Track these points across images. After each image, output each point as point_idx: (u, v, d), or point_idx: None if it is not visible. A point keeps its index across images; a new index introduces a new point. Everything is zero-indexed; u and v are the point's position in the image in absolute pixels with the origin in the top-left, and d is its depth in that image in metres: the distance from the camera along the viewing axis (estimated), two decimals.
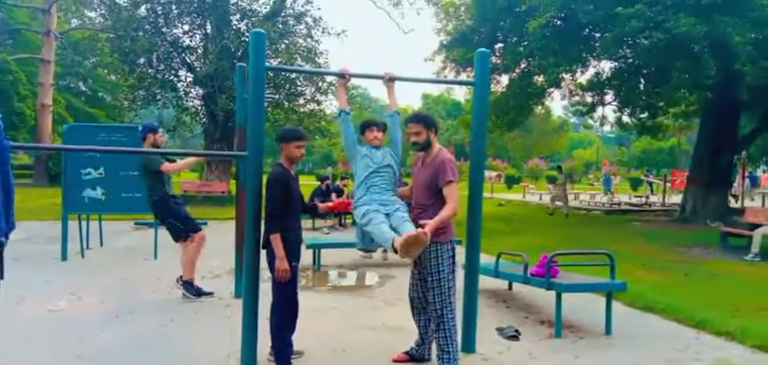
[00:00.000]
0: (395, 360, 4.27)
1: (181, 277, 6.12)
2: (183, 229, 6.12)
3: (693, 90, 15.44)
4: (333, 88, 21.15)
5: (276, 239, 3.83)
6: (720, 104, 15.22)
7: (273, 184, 3.90)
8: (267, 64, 4.56)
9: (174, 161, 6.37)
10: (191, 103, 22.20)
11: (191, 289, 6.07)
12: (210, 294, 6.14)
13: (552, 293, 5.20)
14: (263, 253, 4.01)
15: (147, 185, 6.17)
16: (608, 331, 5.13)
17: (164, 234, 7.06)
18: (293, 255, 3.95)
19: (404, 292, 4.37)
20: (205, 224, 6.29)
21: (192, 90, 21.55)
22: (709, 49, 12.05)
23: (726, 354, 4.48)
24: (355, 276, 7.95)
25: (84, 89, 37.82)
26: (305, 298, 6.11)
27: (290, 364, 4.00)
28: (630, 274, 7.08)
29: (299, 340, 4.17)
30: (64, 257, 8.13)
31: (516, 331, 5.05)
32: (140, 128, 6.48)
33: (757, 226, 10.40)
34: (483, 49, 4.65)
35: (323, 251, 8.25)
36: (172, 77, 20.85)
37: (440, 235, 3.71)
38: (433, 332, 3.94)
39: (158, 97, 21.19)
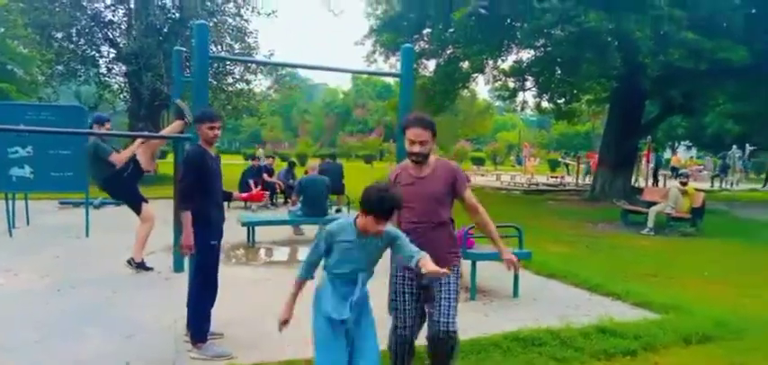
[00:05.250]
0: None
1: (132, 259, 6.36)
2: (136, 203, 6.46)
3: (601, 79, 16.81)
4: (262, 68, 21.06)
5: (187, 217, 3.84)
6: (626, 93, 16.63)
7: (188, 163, 3.93)
8: (211, 54, 4.85)
9: (119, 151, 6.57)
10: (113, 80, 21.44)
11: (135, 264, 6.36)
12: (151, 269, 6.38)
13: (468, 262, 5.85)
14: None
15: (95, 169, 6.43)
16: (515, 294, 5.86)
17: (93, 212, 7.16)
18: (214, 235, 3.97)
19: None
20: (145, 201, 6.62)
21: (115, 66, 20.80)
22: (615, 43, 13.21)
23: (609, 310, 5.27)
24: (288, 251, 8.36)
25: None
26: (240, 272, 6.52)
27: (205, 340, 3.94)
28: (540, 246, 7.90)
29: (234, 308, 4.51)
30: None
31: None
32: (90, 120, 6.79)
33: (653, 204, 11.70)
34: (407, 45, 5.14)
35: (257, 228, 8.57)
36: (93, 53, 20.03)
37: (454, 257, 3.28)
38: (438, 343, 3.21)
39: (79, 73, 20.30)
